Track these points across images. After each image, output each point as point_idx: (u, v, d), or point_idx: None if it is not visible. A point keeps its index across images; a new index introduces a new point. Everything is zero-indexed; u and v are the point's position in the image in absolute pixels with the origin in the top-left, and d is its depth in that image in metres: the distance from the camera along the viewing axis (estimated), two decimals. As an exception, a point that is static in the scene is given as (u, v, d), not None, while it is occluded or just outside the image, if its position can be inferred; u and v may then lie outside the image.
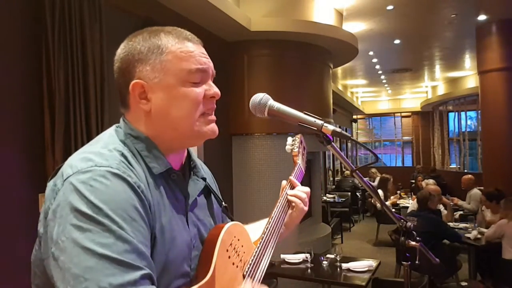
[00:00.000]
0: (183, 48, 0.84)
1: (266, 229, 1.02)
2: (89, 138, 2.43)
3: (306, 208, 1.17)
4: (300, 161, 1.33)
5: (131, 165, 0.77)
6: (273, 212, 1.09)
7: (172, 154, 0.87)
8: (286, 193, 1.16)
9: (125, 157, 0.77)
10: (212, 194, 0.99)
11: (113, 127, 0.88)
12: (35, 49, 2.26)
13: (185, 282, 0.81)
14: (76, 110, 2.35)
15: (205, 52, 0.88)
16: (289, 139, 1.34)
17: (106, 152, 0.76)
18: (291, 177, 1.21)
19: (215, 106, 0.89)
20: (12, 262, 2.14)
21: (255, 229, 1.07)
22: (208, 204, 0.97)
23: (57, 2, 2.27)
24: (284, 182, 1.21)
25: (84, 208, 0.66)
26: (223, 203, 1.02)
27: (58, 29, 2.28)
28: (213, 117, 0.88)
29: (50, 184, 0.75)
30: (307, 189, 1.21)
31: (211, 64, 0.88)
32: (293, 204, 1.15)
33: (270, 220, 1.06)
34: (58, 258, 0.66)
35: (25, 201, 2.23)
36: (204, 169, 1.02)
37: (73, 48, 2.34)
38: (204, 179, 0.95)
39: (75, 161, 0.74)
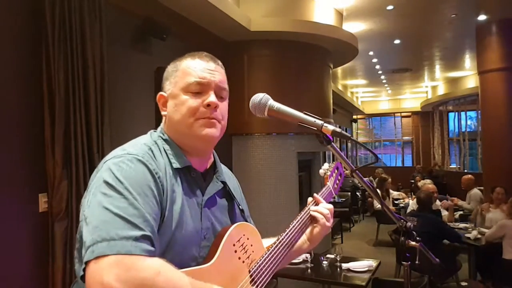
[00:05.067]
0: (191, 65, 1.02)
1: (282, 236, 1.11)
2: (89, 138, 2.44)
3: (329, 224, 1.24)
4: (330, 183, 1.40)
5: (155, 157, 0.96)
6: (292, 223, 1.16)
7: (194, 157, 1.03)
8: (309, 208, 1.24)
9: (152, 151, 0.97)
10: (234, 200, 1.12)
11: (151, 131, 1.08)
12: (35, 49, 2.26)
13: (192, 265, 0.93)
14: (76, 110, 2.35)
15: (214, 68, 1.03)
16: (326, 165, 1.43)
17: (138, 145, 0.97)
18: (315, 195, 1.29)
19: (218, 114, 1.01)
20: (12, 262, 2.14)
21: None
22: (228, 207, 1.10)
23: (57, 2, 2.27)
24: (310, 199, 1.28)
25: (111, 180, 0.86)
26: (240, 206, 1.13)
27: (58, 29, 2.28)
28: (212, 121, 1.00)
29: (95, 169, 0.96)
30: (331, 206, 1.27)
31: (216, 79, 1.02)
32: (316, 219, 1.22)
33: (287, 230, 1.14)
34: (87, 216, 0.84)
35: (25, 201, 2.23)
36: (231, 178, 1.18)
37: (73, 48, 2.34)
38: (223, 182, 1.09)
39: (116, 150, 0.96)
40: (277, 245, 1.08)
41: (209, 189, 1.04)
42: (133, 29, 3.15)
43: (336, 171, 1.44)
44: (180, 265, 0.85)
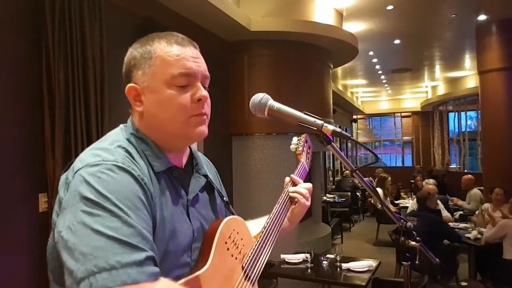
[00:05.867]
0: (170, 52, 0.88)
1: (267, 224, 1.07)
2: (89, 138, 2.43)
3: (308, 203, 1.21)
4: (303, 159, 1.36)
5: (135, 160, 0.84)
6: (275, 208, 1.13)
7: (172, 153, 0.93)
8: (287, 190, 1.20)
9: (129, 153, 0.84)
10: (215, 190, 1.04)
11: (121, 125, 0.94)
12: (35, 49, 2.26)
13: (185, 271, 0.85)
14: (76, 110, 2.35)
15: (196, 55, 0.91)
16: (294, 139, 1.37)
17: (112, 148, 0.83)
18: (292, 175, 1.25)
19: (207, 108, 0.92)
20: (12, 262, 2.14)
21: (256, 226, 1.11)
22: (210, 199, 1.01)
23: (57, 2, 2.27)
24: (287, 179, 1.24)
25: (92, 196, 0.73)
26: (224, 198, 1.06)
27: (58, 29, 2.28)
28: (203, 118, 0.91)
29: (63, 177, 0.83)
30: (309, 185, 1.25)
31: (201, 67, 0.91)
32: (295, 200, 1.19)
33: (271, 216, 1.10)
34: (68, 240, 0.71)
35: (25, 201, 2.23)
36: (208, 165, 1.08)
37: (73, 48, 2.34)
38: (205, 176, 1.00)
39: (85, 156, 0.82)
40: (264, 234, 1.04)
41: (192, 187, 0.94)
42: (133, 29, 3.15)
43: (305, 144, 1.40)
44: (175, 274, 0.81)
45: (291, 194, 1.20)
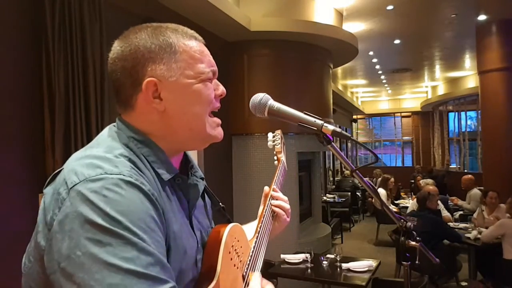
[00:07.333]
0: (194, 47, 0.82)
1: (259, 228, 1.03)
2: (89, 138, 2.43)
3: (288, 219, 1.16)
4: (284, 158, 1.32)
5: (141, 171, 0.73)
6: (263, 215, 1.09)
7: (174, 157, 0.85)
8: (270, 203, 1.15)
9: (134, 163, 0.73)
10: (206, 194, 0.97)
11: (112, 128, 0.83)
12: (35, 49, 2.26)
13: (191, 287, 0.79)
14: (76, 110, 2.35)
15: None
16: (270, 135, 1.33)
17: (113, 157, 0.71)
18: (274, 186, 1.19)
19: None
20: (12, 262, 2.14)
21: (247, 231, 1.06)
22: (204, 205, 0.95)
23: (57, 2, 2.27)
24: (266, 188, 1.19)
25: (100, 220, 0.61)
26: (220, 203, 0.99)
27: (58, 29, 2.28)
28: (218, 120, 0.87)
29: (49, 192, 0.69)
30: (287, 198, 1.20)
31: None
32: (277, 214, 1.15)
33: (261, 219, 1.06)
34: (73, 274, 0.60)
35: (25, 201, 2.23)
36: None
37: (73, 48, 2.34)
38: (202, 179, 0.93)
39: (80, 167, 0.68)
40: (258, 239, 1.00)
41: (193, 193, 0.86)
42: (133, 29, 3.15)
43: (281, 140, 1.34)
44: None
45: (274, 208, 1.14)
